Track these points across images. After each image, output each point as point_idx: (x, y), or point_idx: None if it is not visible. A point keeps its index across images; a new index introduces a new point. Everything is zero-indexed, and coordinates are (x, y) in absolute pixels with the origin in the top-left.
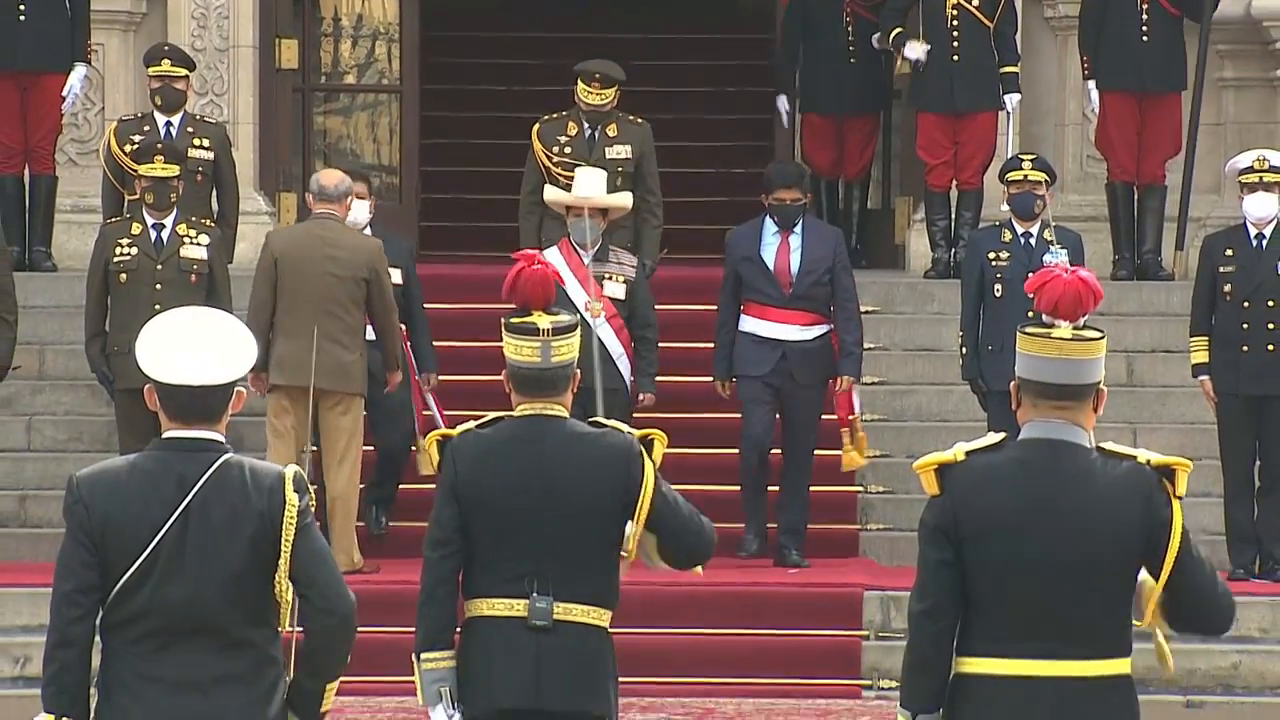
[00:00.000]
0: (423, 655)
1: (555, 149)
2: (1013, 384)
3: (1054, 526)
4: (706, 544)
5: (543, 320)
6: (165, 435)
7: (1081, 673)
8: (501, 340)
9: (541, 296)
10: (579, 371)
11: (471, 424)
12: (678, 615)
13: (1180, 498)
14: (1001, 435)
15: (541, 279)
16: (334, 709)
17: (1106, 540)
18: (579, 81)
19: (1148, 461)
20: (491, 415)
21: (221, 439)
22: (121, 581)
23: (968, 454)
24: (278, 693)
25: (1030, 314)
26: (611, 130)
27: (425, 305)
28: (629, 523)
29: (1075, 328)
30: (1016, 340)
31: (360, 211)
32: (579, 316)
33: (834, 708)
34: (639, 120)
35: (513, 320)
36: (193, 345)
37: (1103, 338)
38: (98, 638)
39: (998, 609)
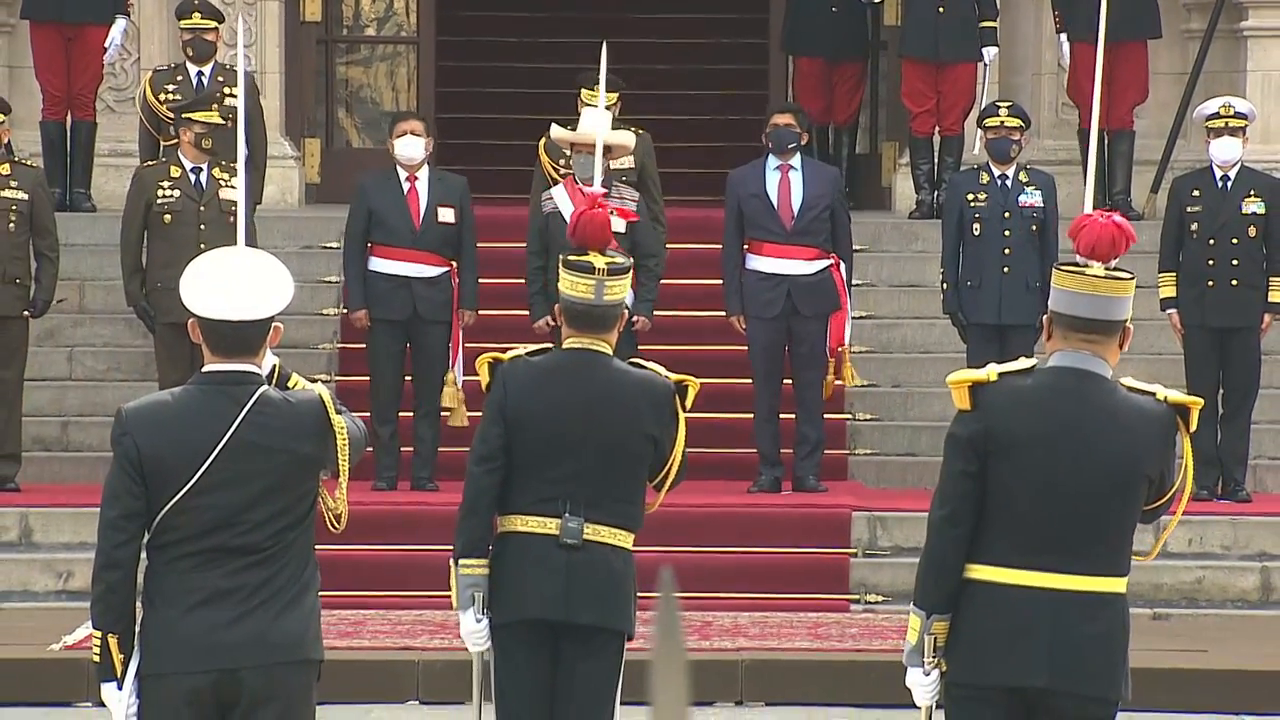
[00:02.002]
0: (461, 561)
1: (562, 160)
2: (1045, 317)
3: (1075, 450)
4: (680, 483)
5: (599, 260)
6: (206, 369)
7: (1081, 587)
8: (512, 276)
9: (599, 238)
10: (626, 311)
11: (522, 350)
12: (678, 535)
13: (1192, 432)
14: (1032, 361)
15: (601, 223)
16: (355, 621)
17: (1123, 468)
18: (582, 90)
19: (1165, 398)
20: (540, 345)
21: (259, 371)
22: (167, 507)
23: (1000, 375)
24: (310, 601)
25: (1006, 252)
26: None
27: None
28: (661, 480)
29: (1108, 267)
30: (1052, 276)
31: (416, 147)
32: (632, 260)
33: (824, 620)
34: (640, 130)
35: (570, 258)
36: (232, 282)
37: (1133, 278)
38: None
39: (1011, 522)
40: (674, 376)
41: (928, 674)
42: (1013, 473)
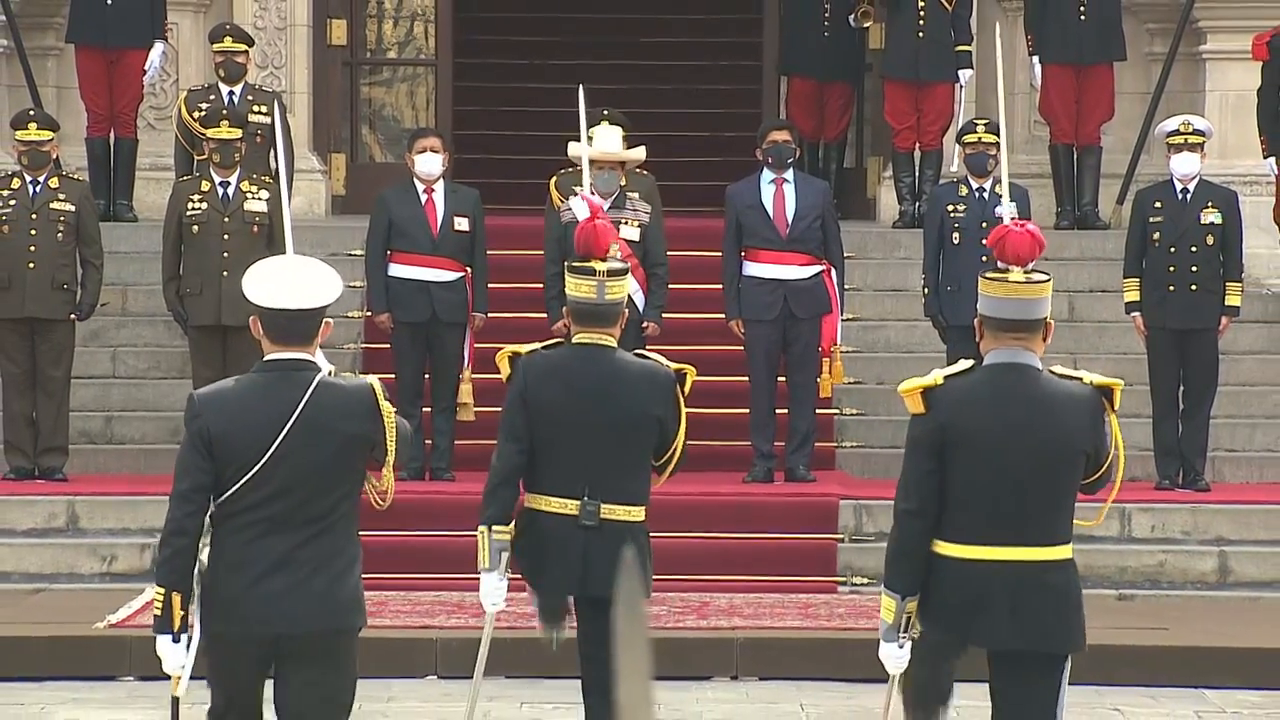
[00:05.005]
0: (495, 526)
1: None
2: (976, 320)
3: (1020, 436)
4: (682, 466)
5: (599, 265)
6: (266, 358)
7: (1036, 557)
8: (524, 280)
9: (600, 246)
10: (627, 310)
11: (538, 345)
12: (679, 521)
13: (1116, 412)
14: (971, 362)
15: (601, 233)
16: (378, 601)
17: (1062, 446)
18: (592, 129)
19: (1090, 382)
20: (553, 340)
21: (314, 360)
22: (237, 480)
23: (945, 378)
24: (356, 569)
25: (984, 260)
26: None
27: None
28: (665, 462)
29: (1026, 272)
30: (979, 284)
31: (434, 164)
32: (629, 264)
33: (813, 601)
34: (645, 171)
35: (575, 264)
36: (288, 279)
37: (1049, 280)
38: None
39: (971, 504)
40: (674, 366)
41: (901, 647)
42: (968, 462)
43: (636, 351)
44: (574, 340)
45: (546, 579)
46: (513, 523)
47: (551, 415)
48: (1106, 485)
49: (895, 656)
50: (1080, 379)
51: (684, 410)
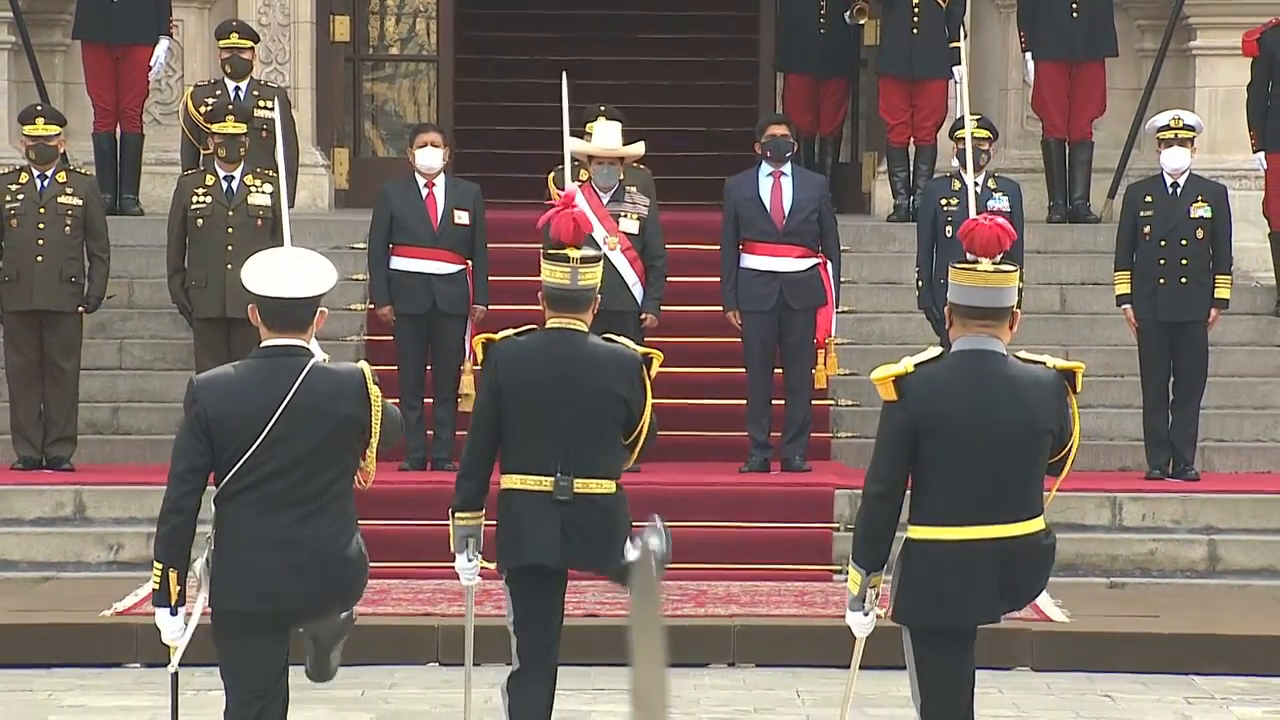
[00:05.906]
0: (458, 513)
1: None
2: (946, 308)
3: (990, 418)
4: (652, 446)
5: (573, 252)
6: (263, 345)
7: (1012, 532)
8: (524, 274)
9: (570, 235)
10: (599, 296)
11: (510, 331)
12: (677, 511)
13: (1077, 394)
14: (939, 350)
15: (574, 221)
16: (380, 589)
17: (1028, 427)
18: (587, 123)
19: (1054, 366)
20: (526, 326)
21: (308, 347)
22: (235, 462)
23: (915, 366)
24: (356, 539)
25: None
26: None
27: None
28: (634, 441)
29: (994, 262)
30: (949, 273)
31: (434, 158)
32: (602, 251)
33: (809, 589)
34: (641, 165)
35: (549, 250)
36: (284, 269)
37: (1016, 270)
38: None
39: (946, 487)
40: (640, 349)
41: (866, 615)
42: (940, 445)
43: (605, 336)
44: (547, 325)
45: (528, 551)
46: (481, 510)
47: (524, 398)
48: (1067, 463)
49: (861, 624)
50: (1044, 363)
51: (650, 391)
